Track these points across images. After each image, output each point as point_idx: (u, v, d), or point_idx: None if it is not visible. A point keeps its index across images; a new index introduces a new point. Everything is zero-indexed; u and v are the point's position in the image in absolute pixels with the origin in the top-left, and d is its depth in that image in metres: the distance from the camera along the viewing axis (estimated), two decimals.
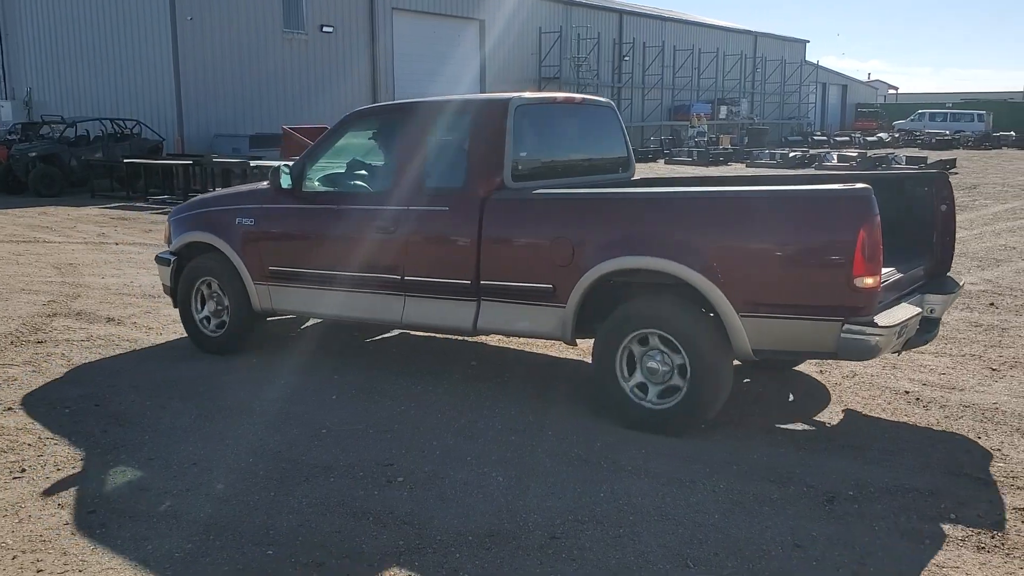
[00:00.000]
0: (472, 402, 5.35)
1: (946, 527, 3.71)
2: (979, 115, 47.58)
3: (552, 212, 5.10)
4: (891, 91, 79.65)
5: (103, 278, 9.56)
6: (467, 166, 5.36)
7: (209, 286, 6.42)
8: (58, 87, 26.82)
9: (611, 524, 3.75)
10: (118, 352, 6.57)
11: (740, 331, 4.43)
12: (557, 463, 4.40)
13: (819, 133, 47.60)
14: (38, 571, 3.43)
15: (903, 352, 5.10)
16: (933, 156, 29.58)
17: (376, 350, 6.75)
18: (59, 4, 26.21)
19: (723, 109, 45.94)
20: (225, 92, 24.48)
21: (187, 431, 4.92)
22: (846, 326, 4.20)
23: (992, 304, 7.97)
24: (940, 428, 4.91)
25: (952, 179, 6.37)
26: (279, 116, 24.89)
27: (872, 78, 77.49)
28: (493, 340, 6.72)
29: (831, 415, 5.16)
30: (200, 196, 7.45)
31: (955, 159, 27.70)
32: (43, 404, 5.38)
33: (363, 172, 6.13)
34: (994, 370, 5.98)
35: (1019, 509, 3.88)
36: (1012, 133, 42.39)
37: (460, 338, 6.72)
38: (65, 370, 6.09)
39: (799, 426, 4.98)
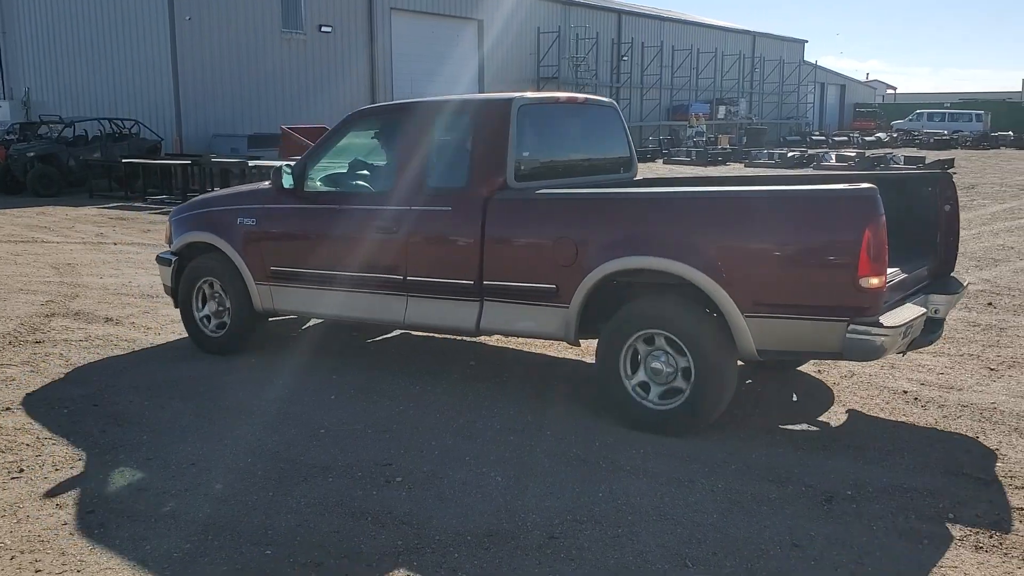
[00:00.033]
0: (471, 402, 5.35)
1: (944, 527, 3.71)
2: (977, 115, 47.64)
3: (555, 212, 5.08)
4: (889, 91, 79.70)
5: (101, 278, 9.55)
6: (470, 166, 5.36)
7: (211, 286, 6.41)
8: (56, 87, 26.81)
9: (610, 524, 3.75)
10: (116, 352, 6.57)
11: (744, 331, 4.42)
12: (556, 463, 4.41)
13: (817, 133, 47.62)
14: (36, 571, 3.42)
15: (907, 353, 5.10)
16: (931, 156, 29.62)
17: (375, 350, 6.75)
18: (57, 4, 26.20)
19: (721, 109, 45.97)
20: (223, 92, 24.47)
21: (186, 431, 4.92)
22: (851, 326, 4.19)
23: (990, 304, 7.98)
24: (938, 428, 4.92)
25: None
26: (277, 116, 24.90)
27: (871, 78, 77.54)
28: (492, 340, 6.72)
29: (830, 415, 5.16)
30: (201, 196, 7.43)
31: (953, 159, 27.75)
32: (41, 404, 5.37)
33: (365, 172, 6.12)
34: (992, 370, 5.98)
35: (1017, 509, 3.88)
36: (1010, 133, 42.43)
37: (459, 338, 6.72)
38: (63, 370, 6.09)
39: (800, 426, 4.98)
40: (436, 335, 6.74)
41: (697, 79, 45.23)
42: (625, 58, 40.53)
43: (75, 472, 4.36)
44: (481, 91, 31.04)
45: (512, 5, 33.31)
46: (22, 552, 3.56)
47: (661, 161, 30.58)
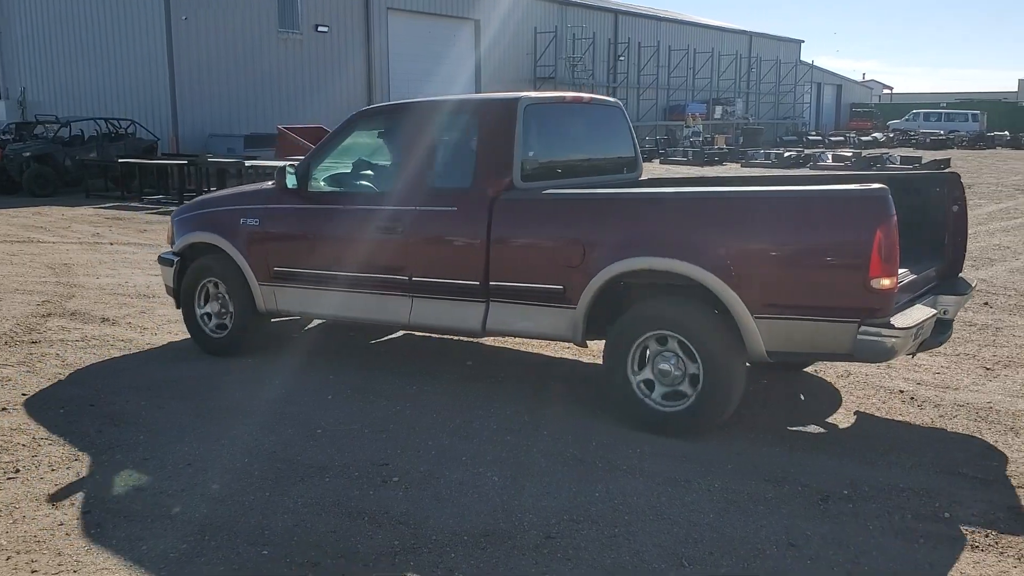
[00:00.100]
0: (467, 402, 5.35)
1: (940, 526, 3.72)
2: (973, 115, 47.74)
3: (562, 212, 5.06)
4: (886, 91, 79.89)
5: (98, 278, 9.54)
6: (475, 166, 5.33)
7: (215, 286, 6.38)
8: (52, 86, 26.75)
9: (606, 524, 3.75)
10: (113, 352, 6.56)
11: (754, 332, 4.39)
12: (552, 463, 4.41)
13: (814, 133, 47.62)
14: (33, 572, 3.42)
15: (916, 354, 5.08)
16: (927, 156, 29.66)
17: (373, 351, 6.75)
18: (53, 3, 26.15)
19: (718, 109, 45.98)
20: (220, 92, 24.45)
21: (183, 431, 4.91)
22: (862, 328, 4.16)
23: (986, 303, 7.99)
24: (935, 427, 4.93)
25: None
26: (274, 116, 24.87)
27: (868, 78, 77.71)
28: (489, 340, 6.72)
29: (829, 415, 5.16)
30: (203, 196, 7.41)
31: (949, 159, 27.80)
32: (38, 404, 5.37)
33: (369, 172, 6.10)
34: (988, 369, 6.00)
35: (1013, 508, 3.89)
36: (1006, 133, 42.54)
37: (456, 338, 6.72)
38: (60, 370, 6.08)
39: (798, 427, 4.99)
40: (434, 335, 6.73)
41: (694, 79, 45.25)
42: (622, 58, 40.55)
43: (72, 472, 4.36)
44: (478, 91, 31.04)
45: (509, 5, 33.31)
46: (18, 552, 3.56)
47: (658, 161, 30.57)
